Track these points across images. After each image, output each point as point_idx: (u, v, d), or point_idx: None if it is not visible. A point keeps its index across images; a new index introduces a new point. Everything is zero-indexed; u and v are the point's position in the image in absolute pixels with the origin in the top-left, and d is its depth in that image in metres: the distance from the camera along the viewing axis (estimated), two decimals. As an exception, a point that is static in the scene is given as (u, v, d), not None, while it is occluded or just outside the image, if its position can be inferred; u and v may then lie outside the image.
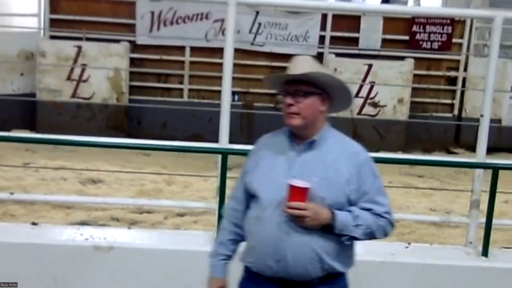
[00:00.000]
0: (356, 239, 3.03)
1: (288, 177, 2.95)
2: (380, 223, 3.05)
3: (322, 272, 3.00)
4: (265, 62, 11.65)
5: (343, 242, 3.01)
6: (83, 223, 6.07)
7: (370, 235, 3.05)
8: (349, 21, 11.80)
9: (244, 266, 3.18)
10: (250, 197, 3.14)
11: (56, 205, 6.67)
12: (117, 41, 11.32)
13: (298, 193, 2.89)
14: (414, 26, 11.96)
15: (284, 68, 10.14)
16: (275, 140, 3.18)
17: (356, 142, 3.18)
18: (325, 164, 3.02)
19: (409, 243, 5.32)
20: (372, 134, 11.55)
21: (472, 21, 12.05)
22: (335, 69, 11.41)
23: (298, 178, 2.93)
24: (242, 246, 3.23)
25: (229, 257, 3.25)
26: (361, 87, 11.46)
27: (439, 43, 12.02)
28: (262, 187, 3.06)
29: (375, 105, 11.55)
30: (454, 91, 12.29)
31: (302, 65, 3.06)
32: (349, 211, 3.00)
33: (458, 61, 12.21)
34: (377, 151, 9.22)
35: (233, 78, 5.13)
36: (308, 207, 2.89)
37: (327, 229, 2.95)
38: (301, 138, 3.09)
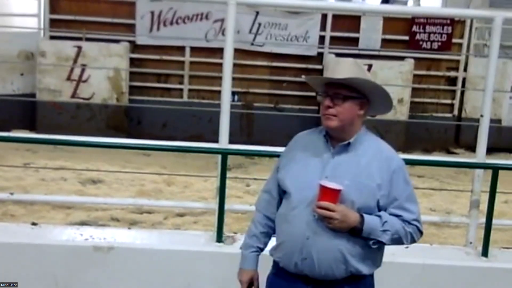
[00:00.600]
0: (383, 244, 3.05)
1: (320, 178, 2.98)
2: (408, 230, 3.06)
3: (346, 274, 3.03)
4: (265, 62, 11.66)
5: (370, 246, 3.03)
6: (83, 223, 6.07)
7: (398, 241, 3.06)
8: (349, 21, 11.79)
9: (273, 260, 3.23)
10: (282, 192, 3.19)
11: (56, 205, 6.67)
12: (117, 41, 11.32)
13: (329, 194, 2.91)
14: (414, 26, 11.96)
15: (284, 68, 10.13)
16: (310, 139, 3.21)
17: (390, 147, 3.19)
18: (358, 167, 3.04)
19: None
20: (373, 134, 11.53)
21: (472, 21, 12.05)
22: (335, 69, 11.38)
23: (330, 179, 2.97)
24: (273, 240, 3.27)
25: (260, 250, 3.30)
26: (361, 87, 11.44)
27: (439, 43, 12.01)
28: (293, 186, 3.09)
29: (375, 105, 11.53)
30: (454, 91, 12.29)
31: (344, 69, 3.07)
32: (378, 215, 3.01)
33: (458, 61, 12.21)
34: (377, 151, 9.26)
35: (233, 78, 5.14)
36: (338, 209, 2.92)
37: (354, 232, 2.98)
38: (336, 140, 3.11)
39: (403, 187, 3.07)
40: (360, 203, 2.99)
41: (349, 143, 3.09)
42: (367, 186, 3.00)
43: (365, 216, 2.97)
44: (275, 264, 3.21)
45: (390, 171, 3.05)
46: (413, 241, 3.12)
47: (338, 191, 2.92)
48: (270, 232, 3.28)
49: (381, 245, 3.05)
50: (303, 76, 3.27)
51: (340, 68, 3.08)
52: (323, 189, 2.92)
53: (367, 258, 3.06)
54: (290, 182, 3.12)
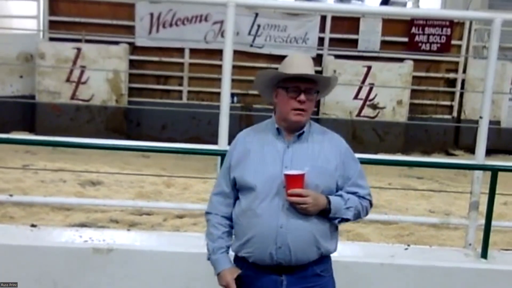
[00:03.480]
0: (347, 220, 3.22)
1: (280, 168, 3.11)
2: (364, 204, 3.27)
3: (317, 255, 3.17)
4: (264, 63, 11.66)
5: (334, 225, 3.22)
6: (82, 225, 6.08)
7: (357, 216, 3.26)
8: (348, 23, 11.82)
9: (237, 257, 3.26)
10: (237, 191, 3.25)
11: (55, 207, 6.67)
12: (117, 43, 11.33)
13: (295, 181, 3.03)
14: (413, 28, 11.98)
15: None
16: (259, 135, 3.29)
17: (334, 132, 3.35)
18: (313, 153, 3.19)
19: (408, 245, 5.32)
20: (371, 136, 11.57)
21: (471, 23, 12.06)
22: (334, 71, 11.41)
23: (291, 168, 3.09)
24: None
25: (228, 249, 3.30)
26: (360, 89, 11.47)
27: (438, 45, 12.03)
28: (256, 180, 3.14)
29: (374, 107, 11.57)
30: (453, 93, 12.31)
31: (307, 64, 3.21)
32: (339, 195, 3.19)
33: (457, 63, 12.22)
34: (376, 152, 9.25)
35: (232, 80, 5.14)
36: (309, 193, 3.06)
37: (323, 213, 3.13)
38: (288, 131, 3.22)
39: (354, 166, 3.29)
40: (323, 186, 3.15)
41: (302, 132, 3.21)
42: (325, 169, 3.17)
43: (330, 197, 3.14)
44: (243, 261, 3.22)
45: (342, 153, 3.24)
46: (367, 214, 3.32)
47: (302, 175, 3.04)
48: (231, 231, 3.32)
49: (345, 222, 3.23)
50: (258, 72, 3.29)
51: (304, 63, 3.20)
52: (289, 177, 3.03)
53: (333, 237, 3.25)
54: (251, 177, 3.16)
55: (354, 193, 3.22)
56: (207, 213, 3.36)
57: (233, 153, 3.30)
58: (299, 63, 3.19)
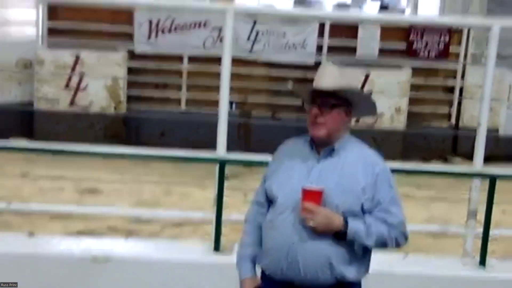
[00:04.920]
0: (368, 247, 3.07)
1: (306, 183, 3.01)
2: (393, 234, 3.08)
3: (332, 279, 3.03)
4: (262, 70, 11.66)
5: (355, 252, 3.05)
6: (81, 233, 6.07)
7: (382, 245, 3.08)
8: (346, 30, 11.82)
9: (260, 269, 3.24)
10: (270, 202, 3.21)
11: (54, 215, 6.65)
12: (115, 49, 11.32)
13: (311, 196, 2.96)
14: (412, 35, 11.97)
15: (282, 76, 10.05)
16: (296, 147, 3.24)
17: (375, 152, 3.23)
18: (342, 172, 3.08)
19: (406, 254, 5.31)
20: (370, 143, 11.47)
21: (469, 30, 12.06)
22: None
23: (315, 184, 3.00)
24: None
25: (255, 258, 3.28)
26: (358, 96, 11.46)
27: (437, 52, 12.03)
28: (279, 192, 3.13)
29: (372, 114, 11.54)
30: (451, 100, 12.30)
31: (330, 77, 3.13)
32: (363, 219, 3.03)
33: (455, 70, 12.22)
34: (374, 160, 9.25)
35: (231, 87, 5.14)
36: (321, 211, 2.96)
37: (339, 236, 3.00)
38: (322, 146, 3.15)
39: (387, 190, 3.10)
40: (345, 207, 3.01)
41: (333, 149, 3.13)
42: (351, 189, 3.03)
43: (349, 219, 3.00)
44: (263, 273, 3.22)
45: (374, 174, 3.08)
46: (397, 245, 3.13)
47: (320, 192, 2.96)
48: (261, 241, 3.28)
49: (366, 249, 3.07)
50: (290, 85, 3.31)
51: (327, 76, 3.13)
52: (305, 192, 2.97)
53: (353, 263, 3.07)
54: (276, 189, 3.15)
55: (382, 219, 3.05)
56: (245, 220, 3.38)
57: (271, 163, 3.31)
58: (320, 75, 3.16)
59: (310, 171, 3.09)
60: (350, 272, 3.06)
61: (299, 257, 3.00)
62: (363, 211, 3.05)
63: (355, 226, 2.99)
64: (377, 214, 3.05)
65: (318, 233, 2.98)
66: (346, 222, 2.98)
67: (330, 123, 3.09)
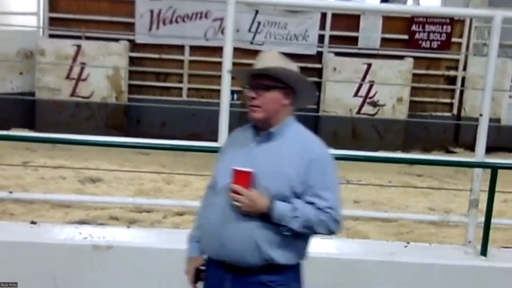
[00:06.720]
0: (295, 231, 3.00)
1: (243, 166, 3.00)
2: (322, 218, 3.00)
3: (261, 261, 3.02)
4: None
5: (291, 233, 3.00)
6: (82, 222, 6.07)
7: (310, 229, 3.03)
8: (348, 20, 11.81)
9: None
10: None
11: (55, 204, 6.67)
12: (116, 39, 11.32)
13: (240, 178, 2.97)
14: (414, 26, 11.97)
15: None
16: (242, 133, 3.26)
17: (316, 138, 3.18)
18: (277, 155, 3.06)
19: (408, 243, 5.32)
20: (371, 133, 11.56)
21: (471, 20, 12.05)
22: (334, 68, 11.41)
23: (250, 167, 2.99)
24: None
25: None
26: (360, 86, 11.48)
27: (438, 43, 12.03)
28: (218, 175, 3.16)
29: (374, 104, 11.56)
30: (453, 91, 12.31)
31: (266, 60, 3.13)
32: (291, 203, 3.00)
33: (457, 60, 12.23)
34: (376, 150, 9.26)
35: (232, 77, 5.13)
36: (245, 193, 2.95)
37: (265, 218, 2.98)
38: (263, 130, 3.14)
39: (320, 176, 3.05)
40: (275, 190, 2.99)
41: (271, 132, 3.12)
42: (283, 173, 3.01)
43: (276, 202, 2.97)
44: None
45: (308, 159, 3.04)
46: (329, 230, 3.06)
47: (248, 173, 2.97)
48: None
49: (299, 233, 3.03)
50: (229, 71, 3.30)
51: (264, 59, 3.14)
52: (234, 172, 2.98)
53: (283, 246, 3.04)
54: (217, 172, 3.20)
55: (311, 204, 3.00)
56: (201, 203, 3.40)
57: (221, 150, 3.35)
58: (259, 60, 3.16)
59: (248, 155, 3.09)
60: (278, 255, 3.03)
61: (227, 237, 3.02)
62: (296, 195, 3.02)
63: (281, 209, 2.96)
64: (307, 198, 3.01)
65: (244, 214, 2.99)
66: (272, 205, 2.96)
67: (266, 105, 3.08)
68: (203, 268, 3.22)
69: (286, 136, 3.11)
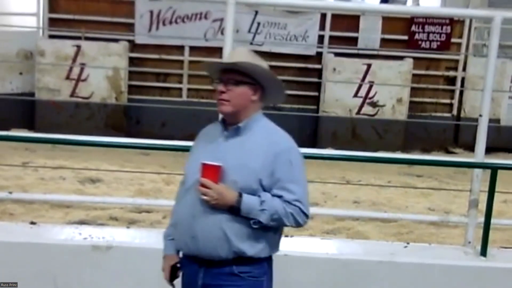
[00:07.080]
0: (263, 223, 3.05)
1: (211, 160, 3.05)
2: (289, 210, 3.07)
3: (231, 254, 3.07)
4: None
5: (254, 227, 3.06)
6: (82, 223, 6.06)
7: (278, 221, 3.09)
8: (348, 21, 11.81)
9: None
10: None
11: (55, 205, 6.66)
12: (116, 40, 11.32)
13: (209, 171, 3.02)
14: (413, 26, 11.98)
15: (283, 67, 10.06)
16: (211, 128, 3.33)
17: (284, 133, 3.23)
18: (244, 149, 3.12)
19: (408, 243, 5.32)
20: (371, 133, 11.57)
21: (471, 21, 12.06)
22: (334, 69, 11.42)
23: (218, 161, 3.04)
24: None
25: None
26: (360, 86, 11.48)
27: (438, 43, 12.04)
28: (189, 171, 3.20)
29: (374, 104, 11.56)
30: (453, 91, 12.31)
31: (235, 55, 3.20)
32: (259, 196, 3.06)
33: (457, 61, 12.23)
34: (376, 150, 9.26)
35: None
36: (213, 186, 3.00)
37: (233, 211, 3.04)
38: (231, 125, 3.21)
39: (287, 169, 3.10)
40: (242, 183, 3.05)
41: (239, 127, 3.17)
42: (250, 167, 3.06)
43: (244, 195, 3.03)
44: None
45: (275, 153, 3.09)
46: (297, 223, 3.12)
47: (217, 167, 3.02)
48: None
49: (262, 225, 3.06)
50: (202, 66, 3.35)
51: (234, 55, 3.22)
52: (203, 166, 3.03)
53: (253, 239, 3.09)
54: (186, 168, 3.25)
55: (279, 197, 3.06)
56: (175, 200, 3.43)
57: (192, 145, 3.40)
58: (230, 55, 3.25)
59: (216, 149, 3.14)
60: (249, 248, 3.08)
61: (198, 231, 3.07)
62: (263, 188, 3.08)
63: (249, 202, 3.02)
64: (274, 191, 3.08)
65: (213, 208, 3.03)
66: (240, 198, 3.02)
67: (235, 100, 3.14)
68: (179, 265, 3.27)
69: (254, 130, 3.18)
